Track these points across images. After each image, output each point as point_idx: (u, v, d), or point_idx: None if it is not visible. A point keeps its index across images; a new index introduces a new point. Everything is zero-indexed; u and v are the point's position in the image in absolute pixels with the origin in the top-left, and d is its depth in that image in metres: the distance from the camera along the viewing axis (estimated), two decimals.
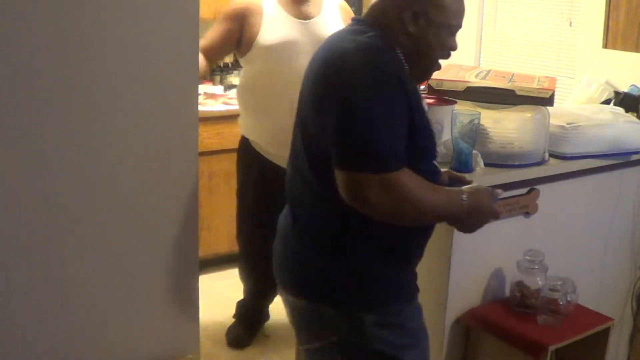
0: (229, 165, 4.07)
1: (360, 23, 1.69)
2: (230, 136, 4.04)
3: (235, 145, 4.21)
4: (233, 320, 3.49)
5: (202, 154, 2.54)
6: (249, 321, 3.45)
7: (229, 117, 4.02)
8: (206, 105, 3.97)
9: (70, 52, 1.79)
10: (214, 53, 3.03)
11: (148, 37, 1.90)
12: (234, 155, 4.08)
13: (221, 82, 4.43)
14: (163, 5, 1.91)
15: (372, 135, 1.51)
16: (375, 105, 1.52)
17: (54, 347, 1.91)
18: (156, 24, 1.91)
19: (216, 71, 4.44)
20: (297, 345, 2.97)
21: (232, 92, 4.30)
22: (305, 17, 2.97)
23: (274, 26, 2.94)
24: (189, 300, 2.14)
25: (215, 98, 4.12)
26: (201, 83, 4.12)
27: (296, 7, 2.97)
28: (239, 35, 2.96)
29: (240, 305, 3.48)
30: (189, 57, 2.00)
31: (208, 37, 3.01)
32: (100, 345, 1.98)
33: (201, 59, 2.95)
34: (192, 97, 2.03)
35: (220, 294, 3.91)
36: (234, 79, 4.50)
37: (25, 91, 1.75)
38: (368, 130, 1.51)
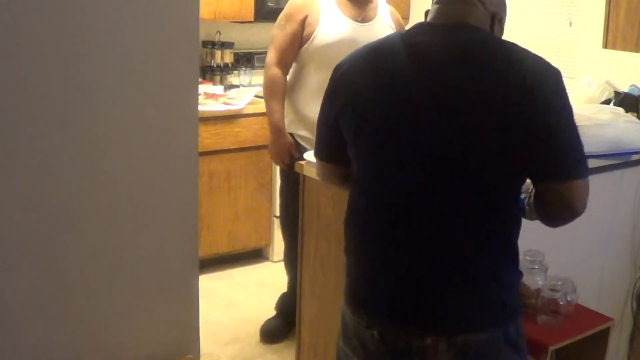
0: (229, 165, 4.09)
1: (464, 26, 1.56)
2: (230, 136, 4.05)
3: (235, 145, 4.21)
4: (274, 312, 3.50)
5: (202, 154, 2.55)
6: (289, 315, 3.41)
7: (229, 117, 4.03)
8: (206, 105, 3.97)
9: (70, 52, 1.79)
10: (289, 61, 3.12)
11: (148, 37, 1.90)
12: (234, 155, 4.09)
13: (221, 82, 4.43)
14: (163, 5, 1.91)
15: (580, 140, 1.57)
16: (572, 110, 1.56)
17: (54, 347, 1.91)
18: (156, 24, 1.91)
19: (216, 71, 4.44)
20: (297, 346, 2.97)
21: (232, 92, 4.31)
22: (362, 19, 3.08)
23: (331, 25, 3.03)
24: (189, 300, 2.14)
25: (215, 98, 4.12)
26: (201, 83, 4.12)
27: (354, 9, 3.08)
28: (302, 34, 3.05)
29: (284, 297, 3.48)
30: (189, 57, 2.00)
31: (277, 47, 3.08)
32: (100, 345, 1.98)
33: (279, 75, 3.08)
34: (192, 97, 2.04)
35: (220, 294, 3.91)
36: (234, 79, 4.51)
37: (24, 91, 1.75)
38: (579, 137, 1.56)
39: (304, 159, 2.74)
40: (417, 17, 5.15)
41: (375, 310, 1.64)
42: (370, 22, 3.10)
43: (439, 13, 1.60)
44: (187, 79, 2.00)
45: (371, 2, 3.12)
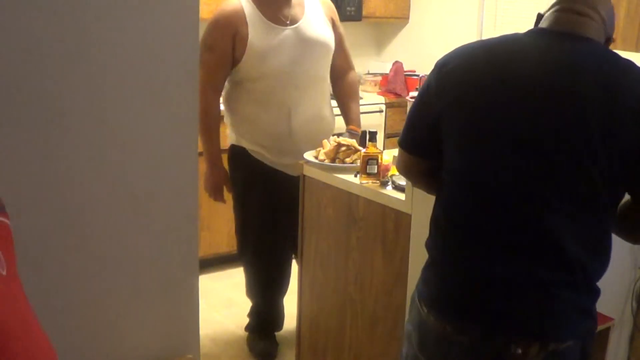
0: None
1: (584, 38, 1.59)
2: None
3: None
4: (246, 333, 3.43)
5: (202, 154, 2.55)
6: (268, 330, 3.37)
7: None
8: None
9: (70, 52, 1.79)
10: (221, 82, 3.00)
11: (148, 37, 1.90)
12: None
13: None
14: (163, 5, 1.91)
15: None
16: None
17: (54, 347, 1.91)
18: (156, 24, 1.91)
19: None
20: (297, 346, 2.98)
21: None
22: (290, 21, 2.95)
23: (261, 38, 2.91)
24: (189, 300, 2.14)
25: None
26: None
27: (278, 13, 2.94)
28: (233, 52, 2.92)
29: (255, 315, 3.39)
30: (189, 57, 2.00)
31: (208, 70, 2.90)
32: (100, 345, 1.98)
33: (211, 100, 2.95)
34: (192, 97, 2.04)
35: (220, 294, 3.91)
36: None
37: (24, 91, 1.75)
38: None
39: (264, 171, 2.77)
40: (417, 17, 5.16)
41: (472, 315, 1.61)
42: (300, 23, 2.96)
43: (557, 20, 1.61)
44: (187, 79, 2.00)
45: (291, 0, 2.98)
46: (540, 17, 1.66)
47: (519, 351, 1.56)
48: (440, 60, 1.68)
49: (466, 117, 1.61)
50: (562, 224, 1.54)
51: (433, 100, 1.66)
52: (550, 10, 1.64)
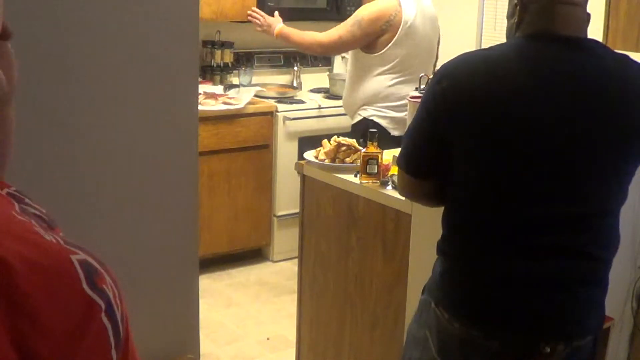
0: (229, 165, 4.09)
1: (593, 41, 1.66)
2: (229, 136, 4.05)
3: (235, 145, 4.21)
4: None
5: (202, 154, 2.54)
6: None
7: (229, 117, 4.03)
8: (206, 105, 3.97)
9: (70, 52, 1.79)
10: None
11: (148, 37, 1.90)
12: (234, 155, 4.08)
13: (221, 82, 4.43)
14: (163, 5, 1.91)
15: None
16: None
17: None
18: (156, 24, 1.91)
19: (216, 71, 4.44)
20: (297, 346, 2.97)
21: (232, 92, 4.30)
22: None
23: None
24: (189, 300, 2.14)
25: (215, 98, 4.12)
26: (202, 83, 4.12)
27: None
28: None
29: None
30: (189, 57, 2.00)
31: None
32: None
33: None
34: (192, 97, 2.03)
35: (220, 294, 3.91)
36: (234, 78, 4.50)
37: (23, 91, 1.75)
38: None
39: None
40: None
41: (501, 319, 1.63)
42: None
43: (550, 18, 1.59)
44: (187, 79, 2.00)
45: None
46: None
47: (548, 350, 1.61)
48: (437, 74, 1.65)
49: (477, 130, 1.58)
50: (582, 224, 1.61)
51: (435, 119, 1.62)
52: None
